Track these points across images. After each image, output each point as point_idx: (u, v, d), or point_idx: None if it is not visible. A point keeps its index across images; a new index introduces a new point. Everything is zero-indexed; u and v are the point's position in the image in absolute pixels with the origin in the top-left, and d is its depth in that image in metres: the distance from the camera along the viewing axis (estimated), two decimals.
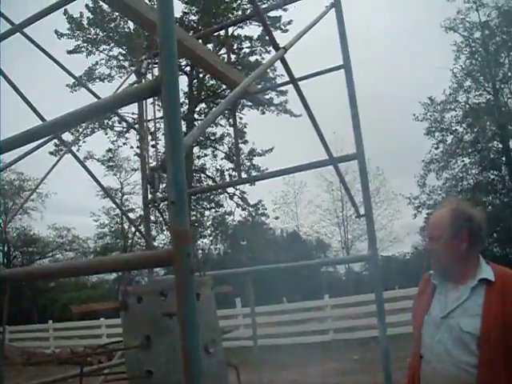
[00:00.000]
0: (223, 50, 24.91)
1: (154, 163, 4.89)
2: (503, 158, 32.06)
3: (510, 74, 32.06)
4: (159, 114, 5.58)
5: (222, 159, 32.52)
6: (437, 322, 2.67)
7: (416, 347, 2.79)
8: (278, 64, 3.56)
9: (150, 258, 1.79)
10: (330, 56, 5.30)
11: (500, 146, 32.14)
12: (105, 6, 26.66)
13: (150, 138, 5.81)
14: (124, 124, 29.29)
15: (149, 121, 5.80)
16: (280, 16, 28.70)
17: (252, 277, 5.37)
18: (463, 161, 32.87)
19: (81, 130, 12.77)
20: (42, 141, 4.65)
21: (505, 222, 27.99)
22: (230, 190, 31.36)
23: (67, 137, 18.73)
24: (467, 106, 32.53)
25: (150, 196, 5.66)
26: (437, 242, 2.75)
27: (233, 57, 27.87)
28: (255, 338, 5.38)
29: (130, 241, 32.82)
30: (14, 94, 4.12)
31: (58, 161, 5.15)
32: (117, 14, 27.01)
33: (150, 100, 6.61)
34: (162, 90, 1.69)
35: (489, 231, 30.10)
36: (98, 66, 30.10)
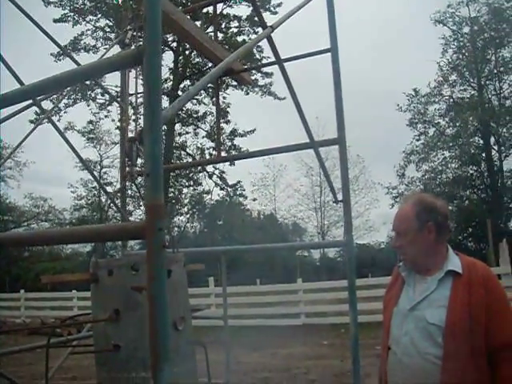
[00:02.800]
0: (210, 29, 24.72)
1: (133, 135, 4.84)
2: (483, 154, 32.43)
3: (495, 70, 32.31)
4: (141, 89, 5.52)
5: (203, 137, 32.45)
6: (404, 314, 2.67)
7: (385, 339, 2.79)
8: (265, 46, 3.52)
9: (122, 230, 1.76)
10: (318, 41, 5.26)
11: (481, 141, 32.49)
12: None
13: (131, 111, 5.75)
14: (107, 96, 29.08)
15: (131, 95, 5.72)
16: None
17: (226, 256, 5.35)
18: (443, 154, 33.23)
19: (61, 97, 12.64)
20: (20, 107, 4.58)
21: (480, 217, 28.31)
22: (210, 168, 31.34)
23: (48, 106, 18.57)
24: (451, 100, 32.81)
25: (127, 169, 5.61)
26: (404, 237, 2.74)
27: (220, 36, 27.69)
28: (226, 317, 5.37)
29: (106, 213, 32.75)
30: None
31: (35, 127, 5.07)
32: None
33: (134, 74, 6.52)
34: (143, 60, 1.64)
35: (464, 226, 30.58)
36: (83, 37, 29.76)
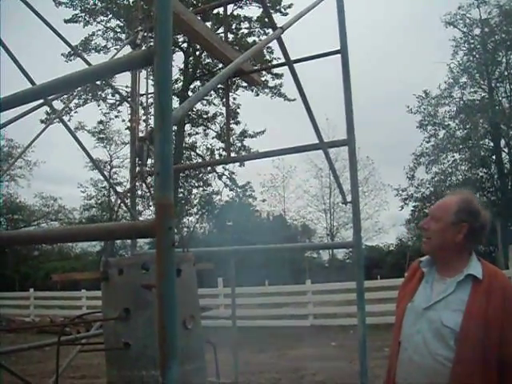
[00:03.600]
0: (221, 30, 24.76)
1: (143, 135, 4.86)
2: (493, 157, 32.29)
3: (506, 73, 32.17)
4: (152, 89, 5.53)
5: (212, 138, 32.52)
6: (418, 312, 2.65)
7: (397, 334, 2.78)
8: (275, 47, 3.53)
9: (132, 228, 1.77)
10: (328, 42, 5.25)
11: (491, 144, 32.36)
12: None
13: (142, 112, 5.78)
14: (117, 97, 29.18)
15: (142, 95, 5.75)
16: None
17: (235, 257, 5.36)
18: (453, 156, 33.07)
19: (72, 97, 12.70)
20: (31, 106, 4.60)
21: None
22: (219, 169, 31.42)
23: (59, 106, 18.57)
24: (461, 102, 32.64)
25: (137, 169, 5.63)
26: (435, 223, 2.72)
27: (230, 36, 27.73)
28: (234, 318, 5.38)
29: (115, 213, 32.82)
30: (5, 57, 4.06)
31: (47, 127, 5.10)
32: None
33: (145, 74, 6.56)
34: (154, 61, 1.65)
35: None
36: (94, 37, 29.87)
